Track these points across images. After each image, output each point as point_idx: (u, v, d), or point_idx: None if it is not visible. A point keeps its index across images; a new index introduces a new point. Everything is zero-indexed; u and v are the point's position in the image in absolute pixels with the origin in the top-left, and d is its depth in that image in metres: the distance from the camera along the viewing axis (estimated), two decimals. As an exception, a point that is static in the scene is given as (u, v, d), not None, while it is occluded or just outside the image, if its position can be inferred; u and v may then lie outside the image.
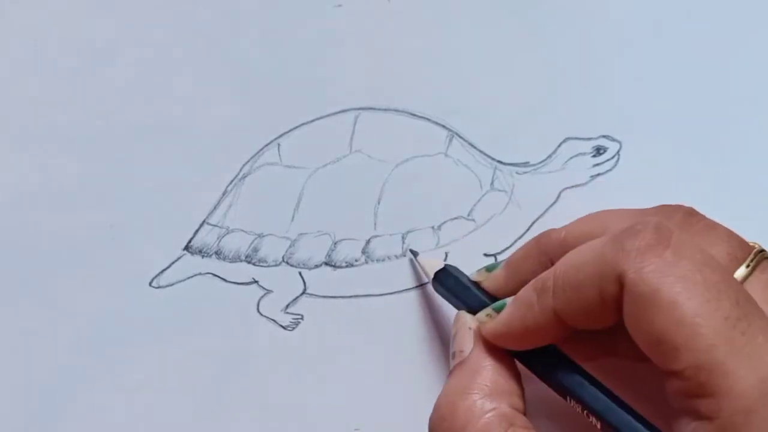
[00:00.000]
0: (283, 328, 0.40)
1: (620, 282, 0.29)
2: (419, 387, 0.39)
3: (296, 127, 0.41)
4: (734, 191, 0.42)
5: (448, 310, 0.40)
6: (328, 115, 0.41)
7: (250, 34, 0.42)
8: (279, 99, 0.42)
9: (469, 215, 0.41)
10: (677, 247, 0.29)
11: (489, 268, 0.37)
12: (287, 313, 0.40)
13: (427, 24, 0.42)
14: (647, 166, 0.41)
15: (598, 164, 0.41)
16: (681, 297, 0.28)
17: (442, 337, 0.40)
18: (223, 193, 0.41)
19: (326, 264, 0.40)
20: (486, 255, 0.40)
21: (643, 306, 0.28)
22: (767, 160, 0.42)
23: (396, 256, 0.40)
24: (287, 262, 0.40)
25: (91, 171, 0.41)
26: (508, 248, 0.41)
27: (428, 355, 0.39)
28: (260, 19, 0.42)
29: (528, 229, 0.41)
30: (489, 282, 0.36)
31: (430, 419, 0.33)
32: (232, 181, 0.41)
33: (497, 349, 0.33)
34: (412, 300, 0.40)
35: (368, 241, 0.40)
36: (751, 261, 0.32)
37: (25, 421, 0.39)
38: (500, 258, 0.40)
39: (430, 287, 0.40)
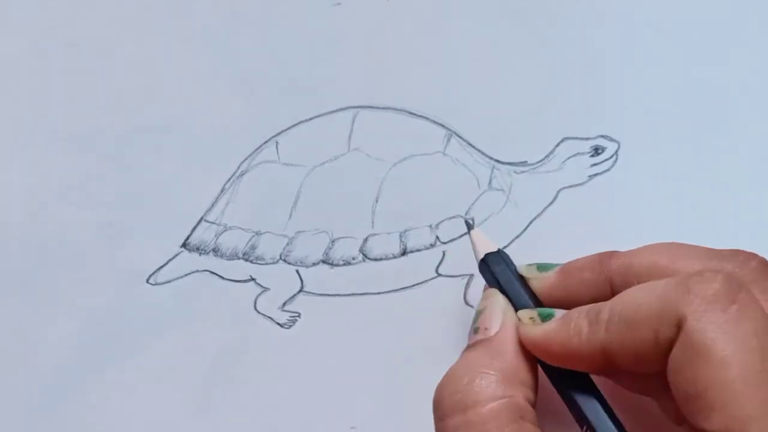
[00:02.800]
0: (280, 325, 0.40)
1: (678, 326, 0.28)
2: (416, 386, 0.39)
3: (294, 125, 0.41)
4: (732, 192, 0.41)
5: (447, 310, 0.40)
6: (326, 113, 0.42)
7: (248, 32, 0.42)
8: (277, 97, 0.42)
9: (466, 214, 0.41)
10: (743, 305, 0.28)
11: (540, 268, 0.35)
12: (284, 310, 0.40)
13: (425, 23, 0.42)
14: (645, 166, 0.41)
15: (596, 164, 0.41)
16: (734, 359, 0.27)
17: (439, 336, 0.40)
18: (221, 191, 0.41)
19: (323, 262, 0.40)
20: (483, 254, 0.40)
21: (693, 356, 0.28)
22: (766, 160, 0.42)
23: (393, 255, 0.40)
24: (284, 260, 0.40)
25: (90, 169, 0.41)
26: (505, 247, 0.40)
27: (425, 354, 0.39)
28: (259, 18, 0.42)
29: (525, 229, 0.41)
30: (538, 282, 0.35)
31: (439, 387, 0.32)
32: (230, 178, 0.41)
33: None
34: (409, 299, 0.40)
35: (366, 240, 0.40)
36: None
37: (24, 417, 0.39)
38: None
39: (427, 286, 0.40)
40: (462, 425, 0.31)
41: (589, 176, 0.41)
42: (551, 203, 0.41)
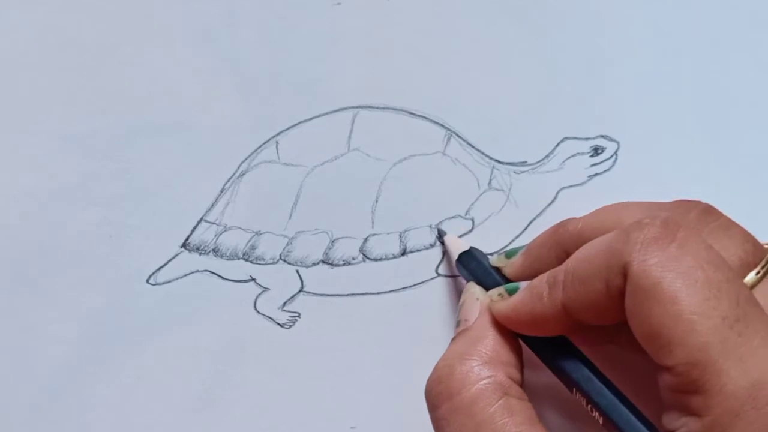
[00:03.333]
0: (280, 325, 0.40)
1: (625, 273, 0.29)
2: (415, 386, 0.39)
3: (294, 125, 0.41)
4: (732, 191, 0.41)
5: (447, 310, 0.40)
6: (326, 113, 0.41)
7: (248, 32, 0.42)
8: (277, 97, 0.42)
9: (466, 214, 0.41)
10: (682, 242, 0.29)
11: (508, 254, 0.37)
12: (284, 311, 0.40)
13: (425, 23, 0.42)
14: (645, 166, 0.42)
15: (595, 164, 0.41)
16: (681, 293, 0.28)
17: (438, 335, 0.40)
18: (221, 191, 0.41)
19: (323, 262, 0.40)
20: (483, 254, 0.41)
21: (643, 298, 0.29)
22: (765, 160, 0.42)
23: (393, 255, 0.40)
24: (284, 260, 0.40)
25: (90, 169, 0.41)
26: (505, 247, 0.41)
27: (425, 353, 0.39)
28: (259, 17, 0.42)
29: (525, 229, 0.41)
30: (508, 268, 0.37)
31: (427, 381, 0.33)
32: (230, 178, 0.41)
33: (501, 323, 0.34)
34: (409, 299, 0.40)
35: (366, 240, 0.40)
36: (763, 267, 0.32)
37: (24, 417, 0.39)
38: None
39: (427, 286, 0.40)
40: (451, 411, 0.32)
41: (589, 176, 0.41)
42: (551, 203, 0.41)
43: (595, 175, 0.41)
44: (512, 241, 0.41)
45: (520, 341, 0.34)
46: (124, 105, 0.41)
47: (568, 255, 0.33)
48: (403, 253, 0.40)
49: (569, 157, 0.41)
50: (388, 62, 0.42)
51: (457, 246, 0.39)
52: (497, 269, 0.37)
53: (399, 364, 0.40)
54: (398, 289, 0.40)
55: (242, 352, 0.40)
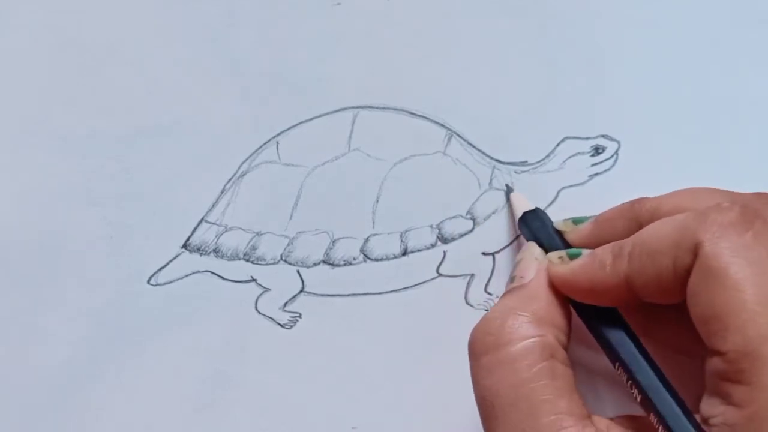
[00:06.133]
0: (281, 326, 0.40)
1: (695, 252, 0.29)
2: (417, 386, 0.39)
3: (295, 126, 0.41)
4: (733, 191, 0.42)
5: (447, 310, 0.40)
6: (326, 114, 0.41)
7: (248, 32, 0.42)
8: (277, 97, 0.42)
9: (467, 214, 0.41)
10: (758, 232, 0.29)
11: (576, 221, 0.37)
12: (285, 311, 0.40)
13: (425, 22, 0.42)
14: (646, 165, 0.42)
15: (596, 164, 0.41)
16: (747, 281, 0.28)
17: (439, 335, 0.40)
18: (222, 191, 0.41)
19: (324, 262, 0.40)
20: (484, 254, 0.40)
21: (709, 279, 0.29)
22: (765, 160, 0.42)
23: (394, 255, 0.40)
24: (285, 261, 0.40)
25: (90, 169, 0.41)
26: (506, 247, 0.41)
27: (426, 354, 0.40)
28: (259, 17, 0.42)
29: (526, 229, 0.41)
30: (573, 234, 0.37)
31: (474, 330, 0.33)
32: (230, 179, 0.41)
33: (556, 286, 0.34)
34: (410, 299, 0.40)
35: (366, 240, 0.40)
36: None
37: (24, 417, 0.39)
38: (498, 257, 0.40)
39: (428, 286, 0.40)
40: (494, 363, 0.32)
41: (590, 176, 0.41)
42: (551, 203, 0.41)
43: (596, 174, 0.41)
44: (513, 240, 0.41)
45: (571, 308, 0.34)
46: (124, 105, 0.41)
47: (639, 230, 0.33)
48: (404, 253, 0.40)
49: (570, 157, 0.41)
50: (388, 62, 0.42)
51: (522, 204, 0.39)
52: (559, 234, 0.37)
53: (400, 364, 0.40)
54: (399, 289, 0.40)
55: (243, 353, 0.40)
